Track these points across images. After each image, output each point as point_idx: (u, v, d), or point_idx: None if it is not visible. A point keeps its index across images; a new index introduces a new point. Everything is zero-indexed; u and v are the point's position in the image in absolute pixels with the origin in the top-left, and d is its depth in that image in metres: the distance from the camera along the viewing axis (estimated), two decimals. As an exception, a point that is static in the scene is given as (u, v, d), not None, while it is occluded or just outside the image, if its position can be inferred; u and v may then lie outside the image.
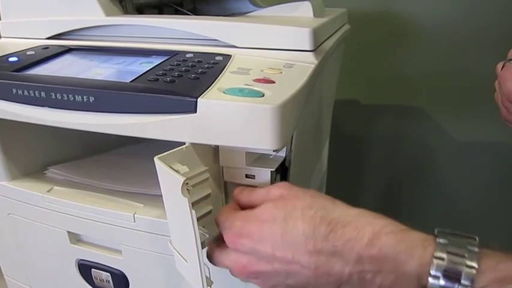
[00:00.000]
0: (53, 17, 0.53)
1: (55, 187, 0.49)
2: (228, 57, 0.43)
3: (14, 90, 0.41)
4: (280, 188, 0.33)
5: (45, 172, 0.53)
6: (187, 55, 0.44)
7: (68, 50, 0.50)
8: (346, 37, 0.64)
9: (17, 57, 0.47)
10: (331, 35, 0.54)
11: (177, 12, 0.68)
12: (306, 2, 0.52)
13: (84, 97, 0.38)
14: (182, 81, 0.37)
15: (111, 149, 0.62)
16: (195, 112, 0.34)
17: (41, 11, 0.54)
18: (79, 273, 0.51)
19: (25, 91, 0.40)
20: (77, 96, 0.38)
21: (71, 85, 0.39)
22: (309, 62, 0.42)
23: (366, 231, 0.27)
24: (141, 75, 0.39)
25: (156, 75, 0.39)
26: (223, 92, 0.35)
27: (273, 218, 0.30)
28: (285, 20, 0.48)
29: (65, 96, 0.38)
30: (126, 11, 0.56)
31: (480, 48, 0.77)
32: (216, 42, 0.46)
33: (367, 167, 0.95)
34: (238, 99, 0.34)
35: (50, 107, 0.39)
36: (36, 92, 0.40)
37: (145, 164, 0.56)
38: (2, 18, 0.57)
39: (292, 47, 0.42)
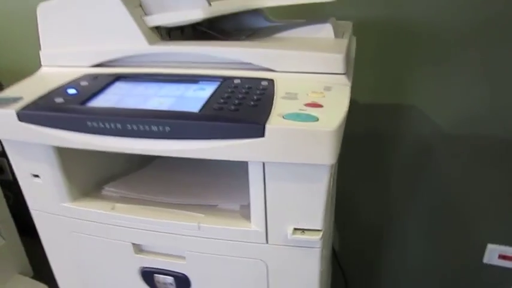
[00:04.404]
0: (96, 46, 0.57)
1: (117, 204, 0.54)
2: (271, 81, 0.49)
3: (89, 123, 0.45)
4: None
5: (102, 192, 0.58)
6: (235, 81, 0.50)
7: (117, 78, 0.55)
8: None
9: (75, 89, 0.52)
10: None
11: (194, 29, 0.73)
12: (327, 24, 0.59)
13: (160, 127, 0.43)
14: (244, 109, 0.44)
15: (146, 162, 0.67)
16: (263, 136, 0.41)
17: (83, 40, 0.58)
18: (142, 280, 0.57)
19: (100, 123, 0.45)
20: (153, 127, 0.43)
21: (146, 116, 0.44)
22: (343, 83, 0.48)
23: None
24: (205, 104, 0.45)
25: (218, 103, 0.45)
26: (283, 117, 0.42)
27: None
28: (314, 43, 0.55)
29: (141, 126, 0.44)
30: (161, 36, 0.60)
31: (482, 46, 0.83)
32: (255, 66, 0.52)
33: (366, 162, 1.02)
34: (298, 124, 0.41)
35: (126, 136, 0.45)
36: (111, 124, 0.45)
37: (187, 177, 0.62)
38: (42, 48, 0.60)
39: (327, 71, 0.49)
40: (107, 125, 0.45)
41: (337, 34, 0.60)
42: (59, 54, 0.59)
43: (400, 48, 0.86)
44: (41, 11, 0.58)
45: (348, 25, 0.71)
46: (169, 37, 0.62)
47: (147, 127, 0.44)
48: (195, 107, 0.45)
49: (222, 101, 0.45)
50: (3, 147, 0.56)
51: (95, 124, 0.45)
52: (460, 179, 0.94)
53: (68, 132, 0.47)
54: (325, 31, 0.59)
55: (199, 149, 0.43)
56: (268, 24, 0.73)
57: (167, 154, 0.44)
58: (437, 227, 1.01)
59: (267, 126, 0.41)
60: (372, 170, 1.01)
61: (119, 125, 0.45)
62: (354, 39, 0.72)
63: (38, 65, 0.62)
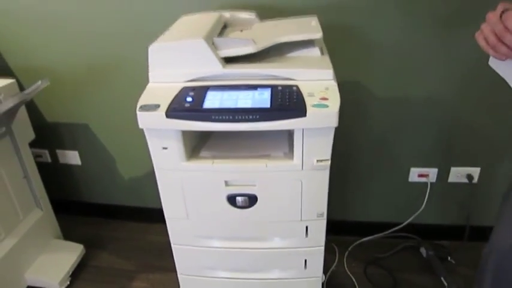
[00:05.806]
0: (188, 69, 0.96)
1: (214, 160, 0.96)
2: (297, 87, 0.93)
3: (213, 117, 0.87)
4: None
5: (199, 154, 0.99)
6: (279, 88, 0.93)
7: (207, 89, 0.95)
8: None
9: (191, 97, 0.91)
10: (328, 63, 1.07)
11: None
12: (315, 48, 1.04)
13: (253, 116, 0.86)
14: (293, 103, 0.88)
15: (210, 133, 1.08)
16: (305, 116, 0.86)
17: (179, 65, 0.96)
18: (227, 202, 1.01)
19: (219, 116, 0.87)
20: (250, 116, 0.86)
21: (244, 112, 0.86)
22: (334, 84, 0.94)
23: None
24: (271, 102, 0.88)
25: (277, 102, 0.88)
26: (313, 106, 0.87)
27: None
28: (313, 61, 1.00)
29: (243, 116, 0.86)
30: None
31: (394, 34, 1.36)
32: (285, 78, 0.96)
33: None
34: (320, 109, 0.87)
35: (234, 122, 0.87)
36: (226, 116, 0.86)
37: (243, 140, 1.05)
38: (150, 71, 0.97)
39: (325, 78, 0.95)
40: (224, 117, 0.87)
41: (322, 52, 1.05)
42: (163, 75, 0.97)
43: (343, 40, 1.33)
44: (151, 48, 0.95)
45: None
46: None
47: (246, 116, 0.86)
48: (266, 104, 0.88)
49: (279, 100, 0.89)
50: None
51: (216, 117, 0.87)
52: (389, 124, 1.46)
53: (198, 122, 0.88)
54: (314, 52, 1.04)
55: (273, 125, 0.87)
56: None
57: (255, 129, 0.88)
58: (378, 157, 1.54)
59: (307, 111, 0.86)
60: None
61: (230, 117, 0.87)
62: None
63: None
